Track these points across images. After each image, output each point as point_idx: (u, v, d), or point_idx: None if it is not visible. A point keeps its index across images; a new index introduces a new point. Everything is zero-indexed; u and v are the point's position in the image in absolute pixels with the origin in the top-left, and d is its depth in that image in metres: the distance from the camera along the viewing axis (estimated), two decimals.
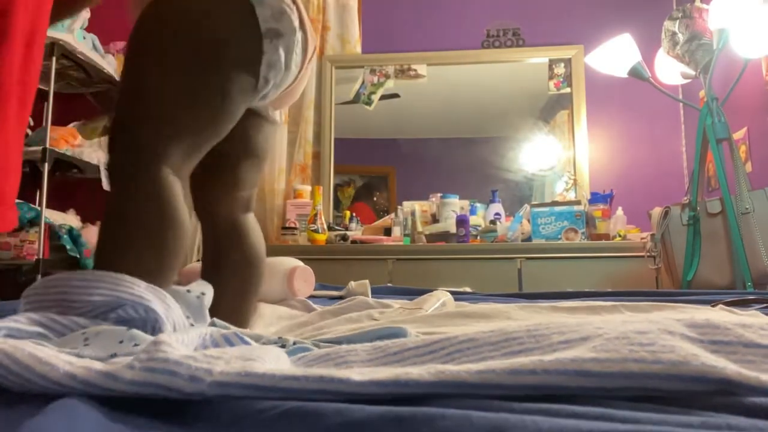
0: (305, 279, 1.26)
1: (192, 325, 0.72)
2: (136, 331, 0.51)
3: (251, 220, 1.12)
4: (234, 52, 0.90)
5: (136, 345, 0.49)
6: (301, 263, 1.29)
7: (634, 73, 2.34)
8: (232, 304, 1.05)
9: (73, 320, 0.54)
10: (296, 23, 0.96)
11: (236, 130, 0.98)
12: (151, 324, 0.57)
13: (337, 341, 0.59)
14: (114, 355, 0.48)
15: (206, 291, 0.78)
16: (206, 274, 1.07)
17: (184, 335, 0.43)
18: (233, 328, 0.62)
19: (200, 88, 0.89)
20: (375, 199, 3.29)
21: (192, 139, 0.89)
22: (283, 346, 0.56)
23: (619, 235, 2.66)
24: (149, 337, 0.51)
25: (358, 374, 0.32)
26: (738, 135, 2.60)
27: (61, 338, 0.51)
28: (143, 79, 0.89)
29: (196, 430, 0.32)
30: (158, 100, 0.88)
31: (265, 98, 1.00)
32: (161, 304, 0.59)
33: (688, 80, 2.51)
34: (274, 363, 0.36)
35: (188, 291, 0.75)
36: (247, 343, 0.49)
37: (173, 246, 0.84)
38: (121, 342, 0.49)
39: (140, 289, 0.59)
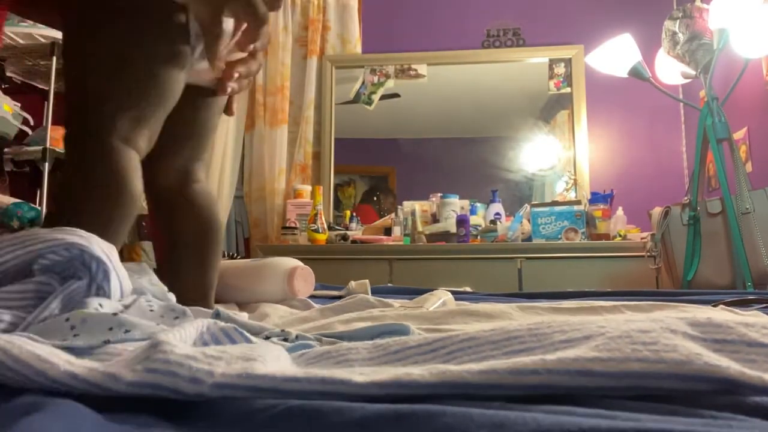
0: (305, 279, 1.26)
1: (139, 278, 0.75)
2: (123, 317, 0.50)
3: (199, 191, 1.12)
4: (164, 22, 0.92)
5: (127, 331, 0.49)
6: (301, 263, 1.29)
7: (635, 73, 2.34)
8: (191, 277, 1.05)
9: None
10: None
11: (177, 107, 0.99)
12: (79, 260, 0.56)
13: (339, 336, 0.59)
14: (108, 342, 0.48)
15: (141, 263, 0.81)
16: (161, 250, 1.08)
17: (181, 330, 0.43)
18: (235, 320, 0.62)
19: (134, 57, 0.91)
20: (376, 199, 3.29)
21: (136, 108, 0.91)
22: (285, 339, 0.56)
23: (619, 235, 2.66)
24: (138, 321, 0.51)
25: (360, 375, 0.31)
26: (738, 135, 2.60)
27: (42, 325, 0.50)
28: (81, 55, 0.92)
29: (196, 430, 0.32)
30: (97, 74, 0.90)
31: (198, 71, 1.00)
32: (83, 239, 0.57)
33: (689, 80, 2.51)
34: (275, 363, 0.36)
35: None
36: (248, 339, 0.49)
37: (118, 214, 0.85)
38: (111, 329, 0.49)
39: (47, 233, 0.58)
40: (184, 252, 1.06)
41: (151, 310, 0.61)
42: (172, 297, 0.80)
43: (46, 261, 0.56)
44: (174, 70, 0.94)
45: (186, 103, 1.02)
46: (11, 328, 0.51)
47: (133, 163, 0.89)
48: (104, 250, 0.59)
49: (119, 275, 0.60)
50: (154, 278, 0.81)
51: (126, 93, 0.90)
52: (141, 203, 0.92)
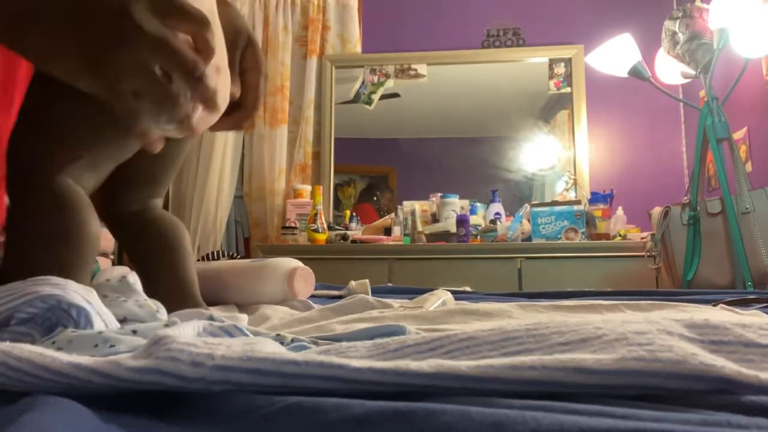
0: (305, 279, 1.26)
1: (125, 301, 0.73)
2: (109, 333, 0.50)
3: (159, 214, 1.11)
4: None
5: (112, 346, 0.49)
6: (300, 264, 1.29)
7: (634, 72, 2.34)
8: (171, 282, 1.05)
9: None
10: None
11: (140, 154, 0.94)
12: (59, 309, 0.56)
13: (337, 339, 0.59)
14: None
15: (125, 274, 0.78)
16: (138, 270, 1.08)
17: (179, 329, 0.43)
18: (230, 322, 0.62)
19: (93, 116, 0.85)
20: (376, 198, 3.29)
21: (89, 156, 0.86)
22: (281, 344, 0.56)
23: (619, 235, 2.66)
24: (125, 337, 0.51)
25: (358, 362, 0.32)
26: (738, 135, 2.60)
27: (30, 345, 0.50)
28: (43, 106, 0.85)
29: (196, 427, 0.32)
30: (55, 123, 0.84)
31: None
32: (57, 287, 0.57)
33: (689, 80, 2.51)
34: (275, 349, 0.37)
35: (108, 280, 0.76)
36: (245, 335, 0.49)
37: (78, 250, 0.80)
38: (96, 346, 0.49)
39: (23, 286, 0.56)
40: (153, 261, 1.05)
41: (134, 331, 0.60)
42: (163, 314, 0.78)
43: (23, 315, 0.55)
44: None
45: (146, 155, 1.01)
46: None
47: (84, 199, 0.84)
48: (83, 295, 0.58)
49: (103, 317, 0.59)
50: (142, 297, 0.78)
51: (82, 144, 0.86)
52: (97, 238, 0.86)
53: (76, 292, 0.57)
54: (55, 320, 0.56)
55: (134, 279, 0.79)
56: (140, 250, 1.08)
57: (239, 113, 1.07)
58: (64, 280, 0.58)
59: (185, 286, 1.06)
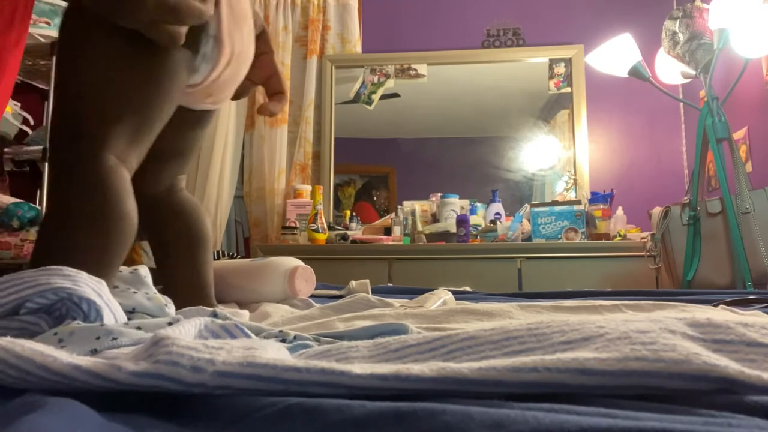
0: (306, 279, 1.26)
1: (135, 292, 0.74)
2: (111, 326, 0.50)
3: (184, 199, 1.12)
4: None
5: (114, 339, 0.49)
6: (301, 263, 1.29)
7: (635, 73, 2.34)
8: (186, 279, 1.06)
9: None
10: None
11: (167, 127, 0.95)
12: (69, 301, 0.55)
13: (339, 336, 0.59)
14: (95, 351, 0.48)
15: (138, 269, 0.79)
16: (158, 261, 1.08)
17: (180, 327, 0.43)
18: (233, 319, 0.62)
19: (137, 71, 0.86)
20: (375, 198, 3.29)
21: (134, 122, 0.85)
22: (283, 340, 0.56)
23: (619, 235, 2.66)
24: (127, 330, 0.51)
25: (360, 368, 0.32)
26: (738, 135, 2.60)
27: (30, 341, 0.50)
28: (80, 59, 0.85)
29: (196, 429, 0.32)
30: (97, 86, 0.84)
31: (194, 88, 0.98)
32: (69, 280, 0.56)
33: (689, 80, 2.51)
34: (276, 354, 0.36)
35: (120, 270, 0.78)
36: (247, 335, 0.49)
37: (116, 240, 0.80)
38: (98, 338, 0.49)
39: (38, 276, 0.56)
40: (176, 256, 1.07)
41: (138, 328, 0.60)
42: (171, 309, 0.78)
43: (33, 305, 0.55)
44: (178, 89, 0.91)
45: (177, 123, 1.00)
46: None
47: (127, 185, 0.84)
48: (93, 288, 0.57)
49: (112, 310, 0.59)
50: (151, 290, 0.78)
51: (126, 108, 0.85)
52: (135, 227, 0.85)
53: (87, 285, 0.57)
54: (65, 312, 0.56)
55: (145, 272, 0.80)
56: (159, 246, 1.09)
57: (275, 98, 1.12)
58: (77, 271, 0.59)
59: (200, 288, 1.07)
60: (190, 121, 1.07)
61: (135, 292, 0.74)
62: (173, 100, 0.92)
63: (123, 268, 0.81)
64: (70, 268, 0.58)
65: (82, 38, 0.86)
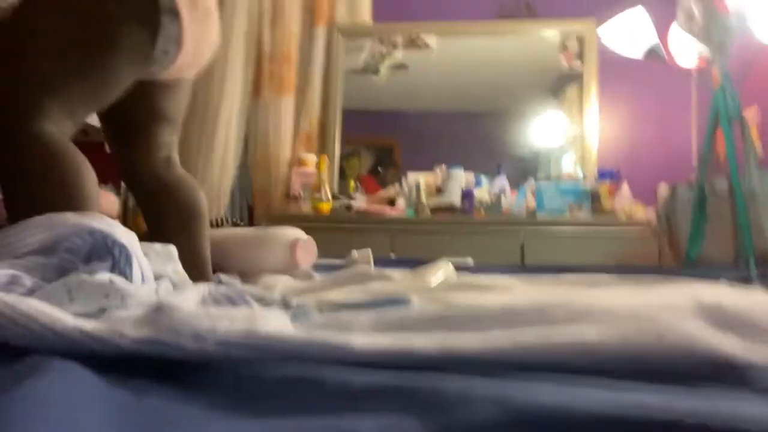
0: (308, 250, 1.26)
1: (164, 264, 0.76)
2: (119, 284, 0.51)
3: (181, 176, 1.14)
4: (129, 27, 0.89)
5: (123, 298, 0.49)
6: (303, 233, 1.29)
7: (652, 54, 2.29)
8: (186, 257, 1.07)
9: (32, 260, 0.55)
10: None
11: (142, 96, 0.98)
12: (102, 245, 0.57)
13: (342, 305, 0.60)
14: (103, 310, 0.48)
15: (170, 246, 0.81)
16: (154, 236, 1.09)
17: (184, 294, 0.43)
18: (236, 286, 0.63)
19: (89, 63, 0.88)
20: (380, 170, 3.27)
21: (71, 101, 0.88)
22: (286, 306, 0.56)
23: (625, 212, 2.65)
24: (135, 290, 0.51)
25: (361, 341, 0.32)
26: (750, 115, 2.57)
27: (43, 291, 0.51)
28: (25, 46, 0.88)
29: (197, 395, 0.32)
30: (49, 50, 0.87)
31: (167, 68, 0.99)
32: (105, 224, 0.59)
33: (703, 58, 2.47)
34: (278, 325, 0.36)
35: (152, 244, 0.80)
36: (248, 303, 0.49)
37: (77, 188, 0.83)
38: (107, 296, 0.49)
39: (74, 218, 0.59)
40: (171, 232, 1.07)
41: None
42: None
43: (69, 244, 0.57)
44: (128, 76, 0.92)
45: (150, 94, 1.02)
46: (30, 294, 0.52)
47: (67, 140, 0.86)
48: (127, 237, 0.60)
49: (141, 264, 0.61)
50: (179, 267, 0.80)
51: (73, 77, 0.88)
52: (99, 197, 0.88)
53: (122, 233, 0.59)
54: (95, 254, 0.57)
55: (175, 251, 0.81)
56: (158, 224, 1.11)
57: None
58: (113, 220, 0.61)
59: (199, 265, 1.08)
60: (162, 93, 1.08)
61: (164, 264, 0.76)
62: (117, 87, 0.92)
63: (156, 244, 0.82)
64: (107, 217, 0.61)
65: (40, 19, 0.88)
